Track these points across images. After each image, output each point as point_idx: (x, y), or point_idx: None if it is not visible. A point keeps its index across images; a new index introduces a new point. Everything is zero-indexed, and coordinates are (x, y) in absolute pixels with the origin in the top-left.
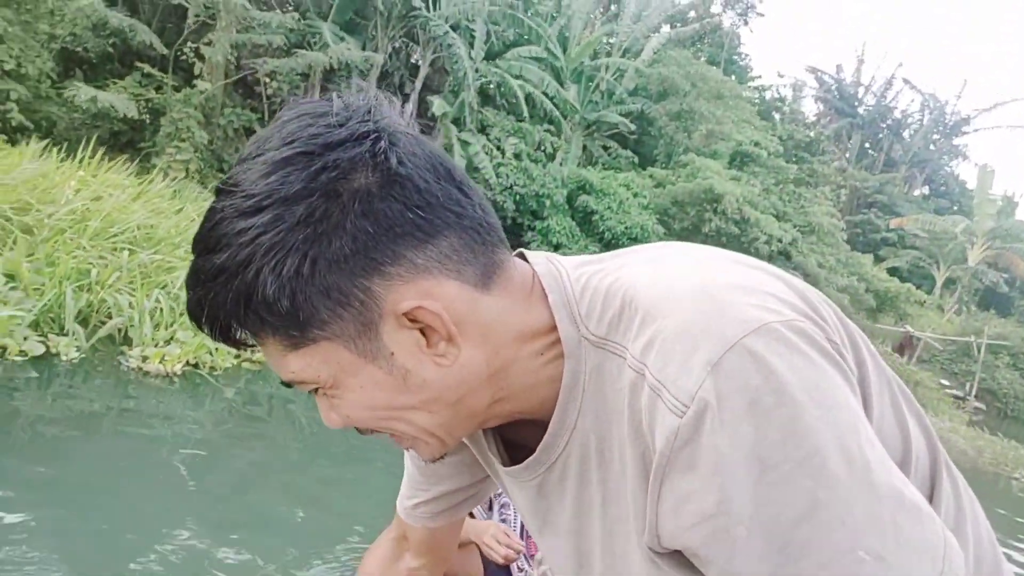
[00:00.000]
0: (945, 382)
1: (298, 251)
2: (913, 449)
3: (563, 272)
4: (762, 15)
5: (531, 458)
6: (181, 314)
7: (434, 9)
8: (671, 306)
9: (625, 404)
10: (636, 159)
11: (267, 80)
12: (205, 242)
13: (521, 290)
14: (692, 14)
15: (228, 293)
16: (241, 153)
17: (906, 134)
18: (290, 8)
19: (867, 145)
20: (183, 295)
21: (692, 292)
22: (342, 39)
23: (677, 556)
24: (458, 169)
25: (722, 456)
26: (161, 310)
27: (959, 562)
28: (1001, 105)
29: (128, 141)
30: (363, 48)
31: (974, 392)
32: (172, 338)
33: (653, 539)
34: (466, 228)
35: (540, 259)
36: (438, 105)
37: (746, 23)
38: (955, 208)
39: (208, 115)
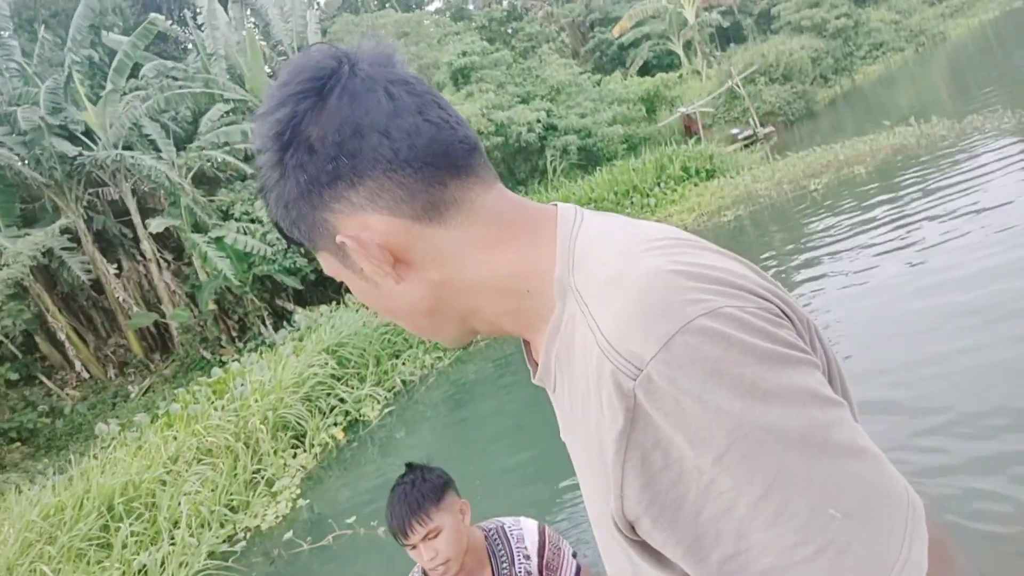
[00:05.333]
0: (735, 131)
1: (272, 191)
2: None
3: (579, 222)
4: None
5: (538, 372)
6: None
7: (95, 147)
8: (634, 280)
9: (589, 369)
10: None
11: None
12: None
13: (506, 222)
14: None
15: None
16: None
17: None
18: None
19: None
20: None
21: (656, 270)
22: (26, 235)
23: (642, 545)
24: (419, 102)
25: (684, 420)
26: None
27: (921, 512)
28: None
29: None
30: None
31: (758, 124)
32: None
33: (619, 511)
34: (399, 167)
35: (568, 208)
36: (156, 223)
37: None
38: None
39: None
